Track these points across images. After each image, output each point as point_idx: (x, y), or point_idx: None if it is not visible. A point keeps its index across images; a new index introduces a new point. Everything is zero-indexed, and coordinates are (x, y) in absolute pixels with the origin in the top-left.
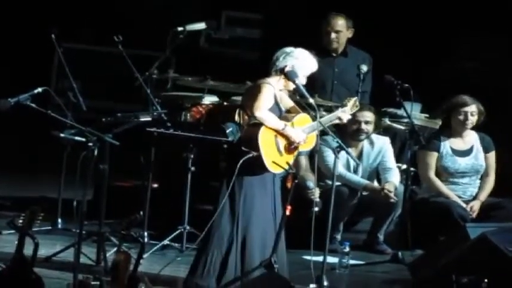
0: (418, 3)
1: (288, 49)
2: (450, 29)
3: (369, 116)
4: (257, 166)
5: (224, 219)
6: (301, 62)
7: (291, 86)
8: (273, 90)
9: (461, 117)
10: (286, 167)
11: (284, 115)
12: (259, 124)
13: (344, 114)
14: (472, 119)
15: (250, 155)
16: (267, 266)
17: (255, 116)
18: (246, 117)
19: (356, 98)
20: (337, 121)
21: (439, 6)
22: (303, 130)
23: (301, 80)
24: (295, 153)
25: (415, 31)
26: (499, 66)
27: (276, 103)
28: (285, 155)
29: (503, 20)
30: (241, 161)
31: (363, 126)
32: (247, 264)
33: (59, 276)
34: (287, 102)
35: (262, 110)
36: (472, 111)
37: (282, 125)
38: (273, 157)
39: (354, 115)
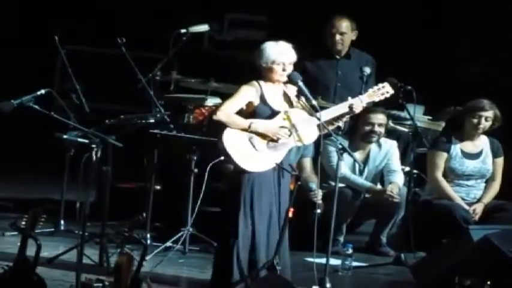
0: (420, 5)
1: None
2: (453, 31)
3: (382, 118)
4: (237, 168)
5: (228, 220)
6: (262, 56)
7: (276, 78)
8: (252, 91)
9: (475, 121)
10: (272, 162)
11: (276, 112)
12: (224, 127)
13: (358, 103)
14: (485, 124)
15: (219, 159)
16: (270, 268)
17: (213, 120)
18: None
19: (385, 83)
20: (346, 109)
21: (442, 8)
22: (288, 125)
23: (276, 69)
24: (284, 148)
25: (418, 33)
26: (502, 68)
27: (264, 103)
28: (267, 152)
29: (506, 23)
30: (210, 165)
31: (376, 128)
32: (256, 264)
33: (62, 278)
34: (290, 98)
35: (220, 113)
36: (487, 116)
37: (246, 124)
38: (249, 157)
39: (367, 117)
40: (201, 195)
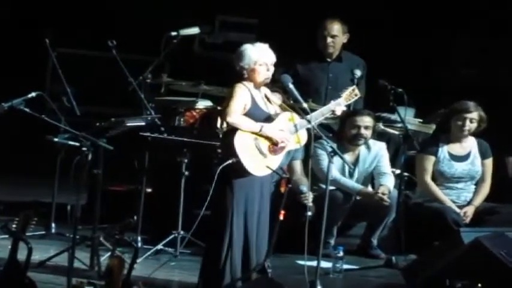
0: (413, 6)
1: None
2: (444, 34)
3: (368, 121)
4: (240, 171)
5: (219, 224)
6: (243, 58)
7: (260, 79)
8: (245, 92)
9: (459, 123)
10: (274, 168)
11: (268, 115)
12: (235, 129)
13: (338, 106)
14: (471, 126)
15: (230, 162)
16: (261, 271)
17: (227, 122)
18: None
19: (354, 86)
20: (329, 114)
21: (433, 10)
22: (289, 128)
23: (259, 70)
24: (284, 152)
25: (410, 35)
26: (494, 71)
27: (256, 105)
28: (270, 156)
29: (500, 24)
30: (220, 168)
31: (362, 131)
32: (248, 266)
33: (53, 281)
34: (274, 102)
35: (234, 114)
36: (472, 118)
37: (258, 127)
38: (255, 160)
39: (353, 120)
40: (208, 200)
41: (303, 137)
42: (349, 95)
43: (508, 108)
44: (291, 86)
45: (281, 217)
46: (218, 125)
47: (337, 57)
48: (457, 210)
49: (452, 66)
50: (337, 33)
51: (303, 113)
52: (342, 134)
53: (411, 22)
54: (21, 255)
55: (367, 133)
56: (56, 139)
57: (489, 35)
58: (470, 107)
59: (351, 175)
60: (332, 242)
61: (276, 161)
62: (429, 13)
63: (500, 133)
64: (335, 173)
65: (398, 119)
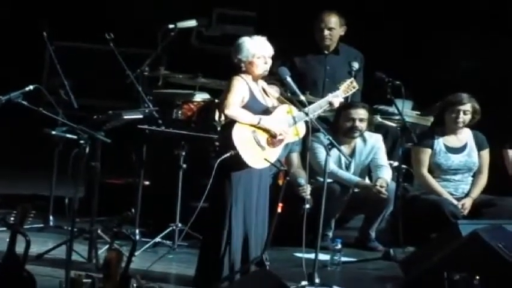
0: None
1: None
2: (445, 27)
3: (363, 113)
4: (239, 163)
5: (218, 217)
6: (241, 51)
7: (258, 72)
8: (244, 85)
9: (453, 115)
10: (272, 161)
11: (266, 107)
12: (233, 122)
13: (336, 98)
14: (465, 118)
15: (228, 154)
16: (259, 264)
17: (226, 115)
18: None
19: (352, 79)
20: (327, 107)
21: (432, 3)
22: (288, 120)
23: (257, 62)
24: (282, 144)
25: (407, 28)
26: (492, 65)
27: (254, 97)
28: (268, 149)
29: (497, 20)
30: (218, 161)
31: (357, 123)
32: (247, 259)
33: (51, 274)
34: (271, 95)
35: (232, 107)
36: (466, 109)
37: (256, 119)
38: (253, 153)
39: (348, 112)
40: (206, 193)
41: (302, 130)
42: (348, 88)
43: (508, 102)
44: (289, 78)
45: (279, 210)
46: (216, 117)
47: (334, 50)
48: (455, 202)
49: (451, 59)
50: (334, 26)
51: (300, 105)
52: (337, 126)
53: (410, 14)
54: (19, 248)
55: (362, 126)
56: (53, 132)
57: (489, 33)
58: (463, 98)
59: (347, 168)
60: (330, 234)
61: (274, 154)
62: (428, 6)
63: (499, 127)
64: (332, 165)
65: (396, 112)
